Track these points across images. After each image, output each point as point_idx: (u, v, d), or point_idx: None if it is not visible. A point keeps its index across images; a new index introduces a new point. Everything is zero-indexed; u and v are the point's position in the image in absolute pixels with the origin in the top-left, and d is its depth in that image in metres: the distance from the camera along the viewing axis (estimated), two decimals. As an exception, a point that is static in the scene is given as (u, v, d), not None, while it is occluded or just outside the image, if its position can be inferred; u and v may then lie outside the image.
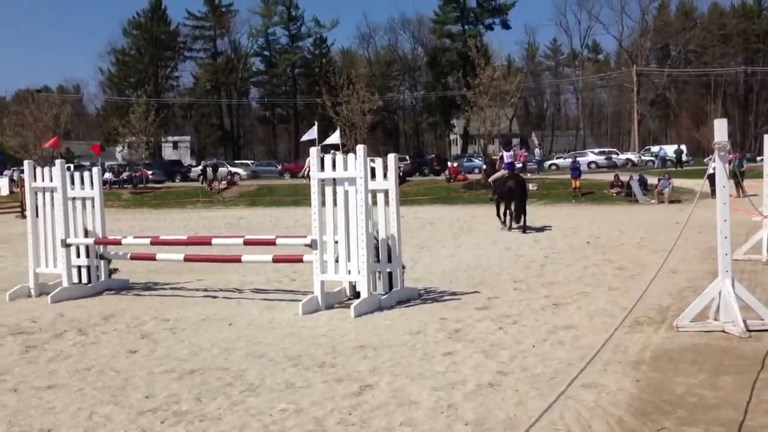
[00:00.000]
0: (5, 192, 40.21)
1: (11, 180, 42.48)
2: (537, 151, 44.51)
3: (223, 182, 36.06)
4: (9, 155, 48.39)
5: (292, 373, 5.35)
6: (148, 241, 9.15)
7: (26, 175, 9.49)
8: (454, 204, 27.74)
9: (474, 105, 31.90)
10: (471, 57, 34.64)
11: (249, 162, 56.65)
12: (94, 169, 9.64)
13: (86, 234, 9.39)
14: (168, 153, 72.94)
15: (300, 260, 8.24)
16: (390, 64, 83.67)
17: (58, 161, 9.34)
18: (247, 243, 8.66)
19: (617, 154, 51.88)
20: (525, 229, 16.06)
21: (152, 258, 9.38)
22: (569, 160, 36.64)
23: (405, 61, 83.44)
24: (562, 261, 11.02)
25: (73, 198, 9.41)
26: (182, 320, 7.41)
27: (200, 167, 43.59)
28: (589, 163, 44.92)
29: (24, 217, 27.89)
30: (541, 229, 16.55)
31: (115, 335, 6.85)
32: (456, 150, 77.71)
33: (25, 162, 9.82)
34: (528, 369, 5.17)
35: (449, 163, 41.87)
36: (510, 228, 16.55)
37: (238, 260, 8.85)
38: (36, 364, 5.83)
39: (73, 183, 9.47)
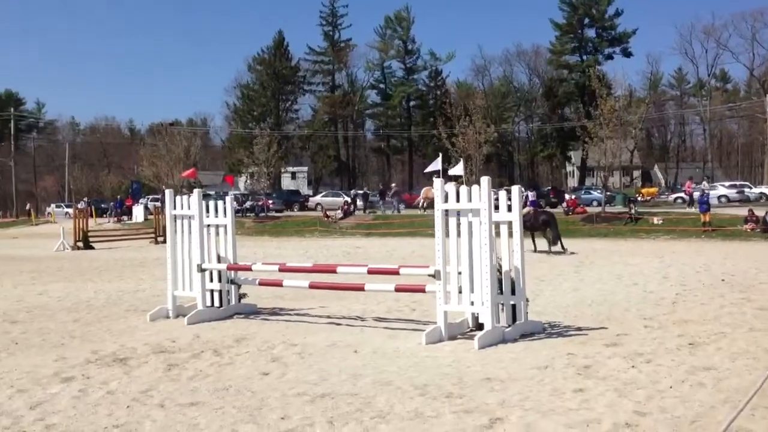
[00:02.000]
0: (141, 219, 42.85)
1: (146, 208, 45.28)
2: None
3: (339, 212, 36.87)
4: (145, 184, 51.68)
5: (420, 402, 5.38)
6: (276, 267, 9.48)
7: (167, 203, 10.09)
8: (573, 237, 26.98)
9: (594, 136, 31.08)
10: (592, 87, 33.78)
11: (369, 192, 57.60)
12: (227, 198, 10.13)
13: (219, 260, 9.86)
14: (286, 183, 75.45)
15: (422, 290, 8.30)
16: (505, 96, 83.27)
17: (195, 191, 9.90)
18: (371, 272, 8.82)
19: (750, 187, 48.90)
20: (563, 250, 20.00)
21: (279, 284, 9.70)
22: (697, 194, 34.93)
23: (520, 93, 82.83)
24: (695, 299, 10.50)
25: (208, 225, 9.93)
26: (309, 345, 7.62)
27: (351, 195, 44.75)
28: (719, 197, 42.57)
29: (158, 242, 29.67)
30: (563, 252, 19.84)
31: (248, 357, 7.13)
32: (573, 182, 75.97)
33: (166, 191, 10.45)
34: (667, 410, 4.95)
35: (567, 196, 40.95)
36: (543, 251, 20.12)
37: (361, 288, 9.01)
38: (178, 382, 6.16)
39: (208, 211, 9.99)
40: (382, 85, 78.28)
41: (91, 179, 79.14)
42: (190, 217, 9.82)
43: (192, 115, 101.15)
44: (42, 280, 15.45)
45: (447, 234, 7.86)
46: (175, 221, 10.01)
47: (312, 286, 9.36)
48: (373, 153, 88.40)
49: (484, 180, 7.55)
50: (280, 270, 9.29)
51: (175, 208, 9.99)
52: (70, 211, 52.61)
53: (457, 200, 7.81)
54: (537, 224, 20.57)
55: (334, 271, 9.27)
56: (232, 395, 5.68)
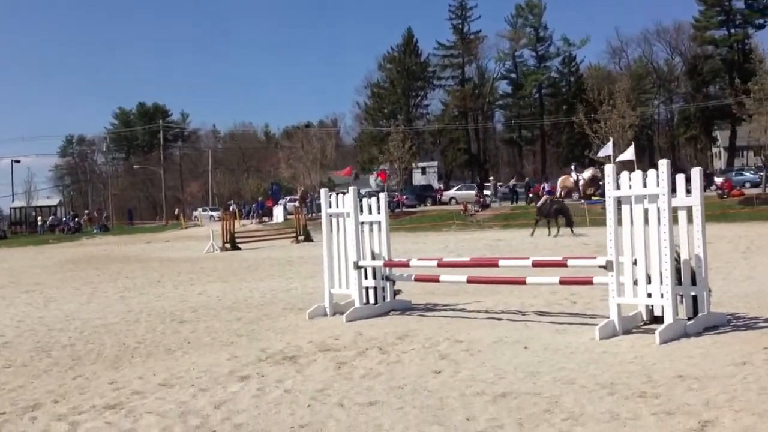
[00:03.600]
0: (281, 219, 44.39)
1: (285, 208, 46.84)
2: None
3: (476, 205, 36.49)
4: (283, 186, 53.52)
5: (611, 402, 4.99)
6: (434, 263, 9.33)
7: (322, 202, 10.15)
8: (731, 221, 25.24)
9: (754, 112, 28.77)
10: (750, 61, 31.31)
11: (498, 184, 56.82)
12: (381, 195, 10.09)
13: (373, 257, 9.82)
14: (417, 178, 75.74)
15: (590, 282, 7.86)
16: (642, 78, 79.38)
17: (350, 188, 9.91)
18: (535, 264, 8.45)
19: None
20: (572, 230, 23.90)
21: (436, 280, 9.54)
22: None
23: (659, 73, 78.66)
24: None
25: (362, 222, 9.90)
26: (475, 342, 7.38)
27: (511, 186, 44.22)
28: None
29: (298, 241, 30.54)
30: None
31: (415, 355, 6.99)
32: (719, 164, 71.27)
33: (321, 190, 10.52)
34: None
35: (717, 179, 38.42)
36: (557, 234, 23.96)
37: (522, 282, 8.67)
38: (351, 381, 6.10)
39: (361, 209, 9.97)
40: (513, 75, 77.06)
41: (233, 183, 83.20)
42: (345, 215, 9.84)
43: (323, 116, 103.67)
44: (199, 281, 16.15)
45: (619, 222, 7.37)
46: (330, 220, 10.07)
47: (470, 281, 9.12)
48: (504, 144, 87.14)
49: (663, 163, 7.00)
50: (439, 265, 9.11)
51: (330, 207, 10.04)
52: (215, 214, 55.64)
53: (630, 186, 7.30)
54: (551, 212, 24.60)
55: (496, 265, 8.98)
56: (408, 394, 5.53)
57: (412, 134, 55.28)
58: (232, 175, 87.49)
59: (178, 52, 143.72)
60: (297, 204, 40.40)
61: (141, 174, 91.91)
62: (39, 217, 61.65)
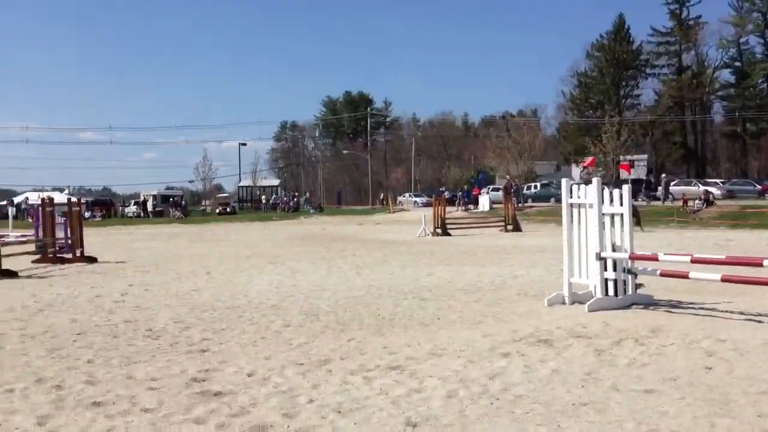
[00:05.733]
0: (486, 208, 44.68)
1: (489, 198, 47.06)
2: None
3: (698, 202, 34.27)
4: (489, 174, 53.78)
5: None
6: (686, 258, 9.01)
7: (563, 192, 10.21)
8: None
9: None
10: None
11: (719, 181, 52.81)
12: (625, 187, 9.92)
13: (613, 248, 9.71)
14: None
15: None
16: None
17: (594, 179, 9.87)
18: (809, 267, 7.90)
19: None
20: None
21: (684, 276, 9.20)
22: None
23: None
24: None
25: (604, 214, 9.82)
26: (740, 342, 7.07)
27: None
28: None
29: (507, 230, 30.63)
30: None
31: (676, 349, 6.85)
32: None
33: (563, 180, 10.57)
34: None
35: None
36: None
37: (787, 284, 8.13)
38: (616, 368, 6.15)
39: (603, 200, 9.88)
40: (737, 64, 71.05)
41: (435, 170, 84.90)
42: (587, 206, 9.82)
43: (522, 106, 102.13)
44: (422, 263, 16.80)
45: None
46: (571, 209, 10.10)
47: (725, 280, 8.71)
48: (725, 138, 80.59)
49: None
50: (692, 261, 8.80)
51: (571, 197, 10.07)
52: (419, 200, 57.22)
53: None
54: None
55: (760, 264, 8.49)
56: (686, 386, 5.48)
57: (628, 126, 52.88)
58: (433, 162, 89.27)
59: (381, 42, 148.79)
60: (503, 193, 40.45)
61: (347, 159, 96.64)
62: (263, 196, 67.32)
